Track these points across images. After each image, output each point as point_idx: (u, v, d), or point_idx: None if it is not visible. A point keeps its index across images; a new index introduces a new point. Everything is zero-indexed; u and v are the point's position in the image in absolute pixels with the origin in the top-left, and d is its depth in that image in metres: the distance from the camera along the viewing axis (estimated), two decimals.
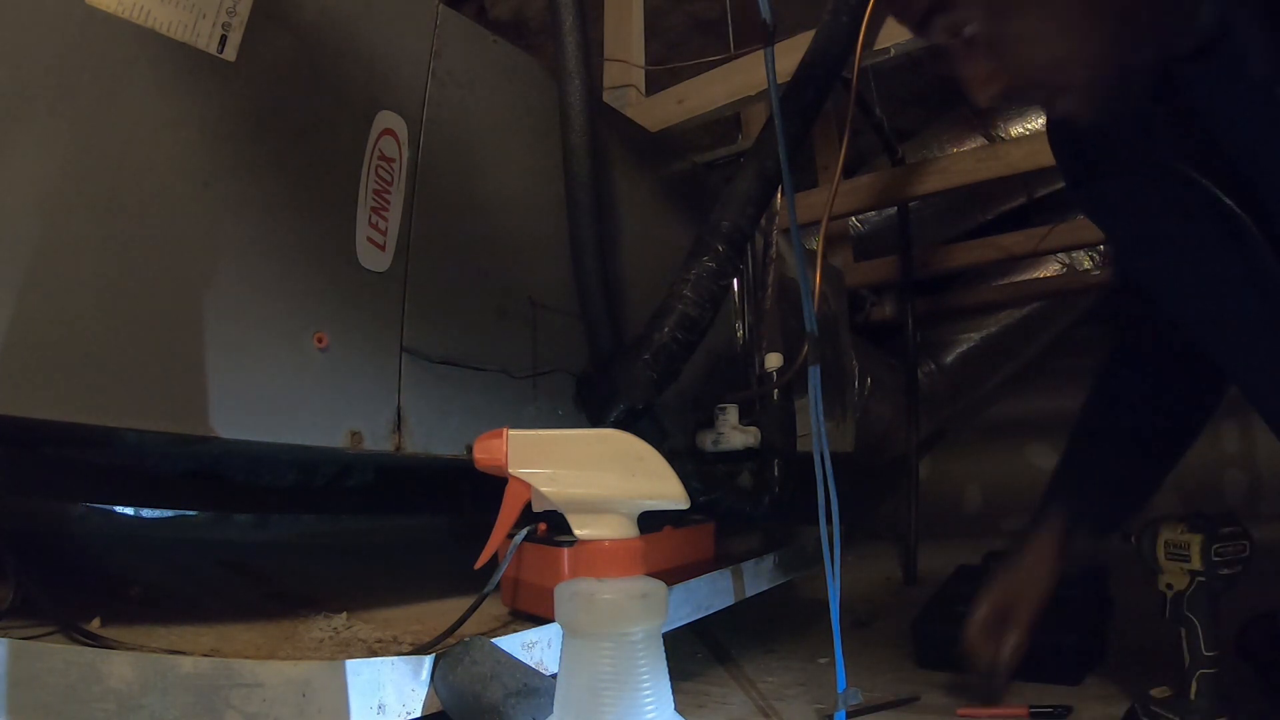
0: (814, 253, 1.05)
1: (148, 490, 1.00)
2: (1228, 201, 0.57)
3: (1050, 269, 2.34)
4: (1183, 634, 0.70)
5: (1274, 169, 0.56)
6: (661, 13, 1.94)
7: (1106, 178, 0.69)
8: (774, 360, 1.16)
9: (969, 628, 0.83)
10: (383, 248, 0.72)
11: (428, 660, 0.62)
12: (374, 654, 0.68)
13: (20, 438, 0.80)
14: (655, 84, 1.36)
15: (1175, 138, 0.60)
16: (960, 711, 0.83)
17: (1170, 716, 0.69)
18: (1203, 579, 0.69)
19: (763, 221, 1.07)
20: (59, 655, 0.46)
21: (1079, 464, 0.89)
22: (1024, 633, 0.81)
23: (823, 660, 1.08)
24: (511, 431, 0.41)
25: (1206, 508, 0.74)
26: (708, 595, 0.95)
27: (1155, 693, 0.71)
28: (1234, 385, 0.72)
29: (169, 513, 1.02)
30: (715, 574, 0.97)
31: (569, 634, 0.40)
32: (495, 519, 0.42)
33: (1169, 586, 0.72)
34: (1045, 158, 1.53)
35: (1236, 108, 0.56)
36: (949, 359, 2.38)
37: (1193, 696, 0.68)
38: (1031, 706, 0.81)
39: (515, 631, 0.71)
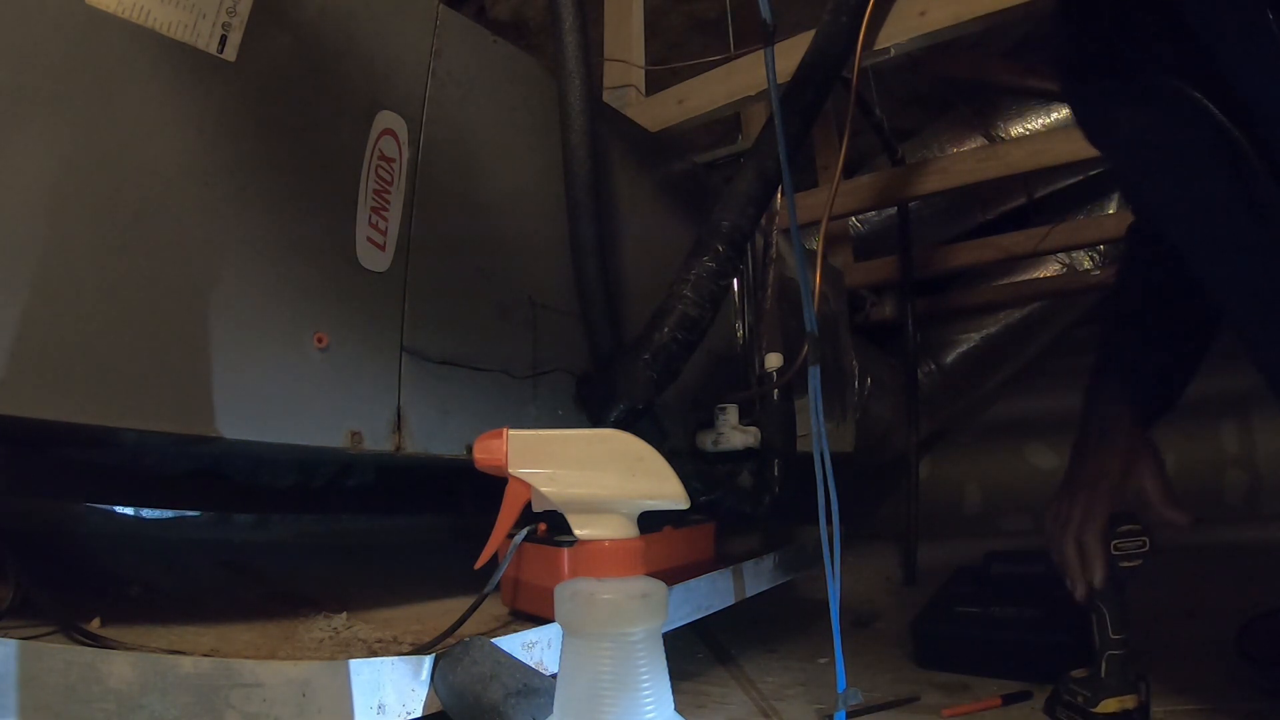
0: (814, 253, 1.05)
1: (148, 490, 1.00)
2: (1224, 120, 0.56)
3: (1050, 269, 2.34)
4: (1093, 620, 0.78)
5: (1266, 94, 0.55)
6: (661, 13, 1.94)
7: (1101, 91, 0.68)
8: (774, 360, 1.16)
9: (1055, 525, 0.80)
10: (383, 248, 0.72)
11: (428, 660, 0.62)
12: (374, 654, 0.68)
13: (21, 437, 0.80)
14: (655, 84, 1.36)
15: (1175, 56, 0.59)
16: (945, 712, 0.84)
17: (1084, 693, 0.77)
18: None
19: (763, 221, 1.07)
20: (59, 655, 0.46)
21: (1116, 356, 0.84)
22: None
23: (823, 660, 1.08)
24: (511, 431, 0.41)
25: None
26: (708, 595, 0.95)
27: (1074, 673, 0.80)
28: (1233, 330, 0.68)
29: (169, 513, 1.02)
30: (715, 574, 0.97)
31: (569, 634, 0.40)
32: (495, 519, 0.42)
33: None
34: (1045, 158, 1.54)
35: (1228, 31, 0.55)
36: (949, 359, 2.38)
37: (1103, 675, 0.76)
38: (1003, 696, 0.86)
39: (515, 631, 0.71)
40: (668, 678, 0.41)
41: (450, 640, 0.69)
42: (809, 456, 0.83)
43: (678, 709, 0.41)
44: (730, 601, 1.00)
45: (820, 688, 0.95)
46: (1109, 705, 0.74)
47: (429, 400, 0.75)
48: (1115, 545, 0.77)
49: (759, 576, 1.10)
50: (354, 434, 0.67)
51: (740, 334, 1.23)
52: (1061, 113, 2.00)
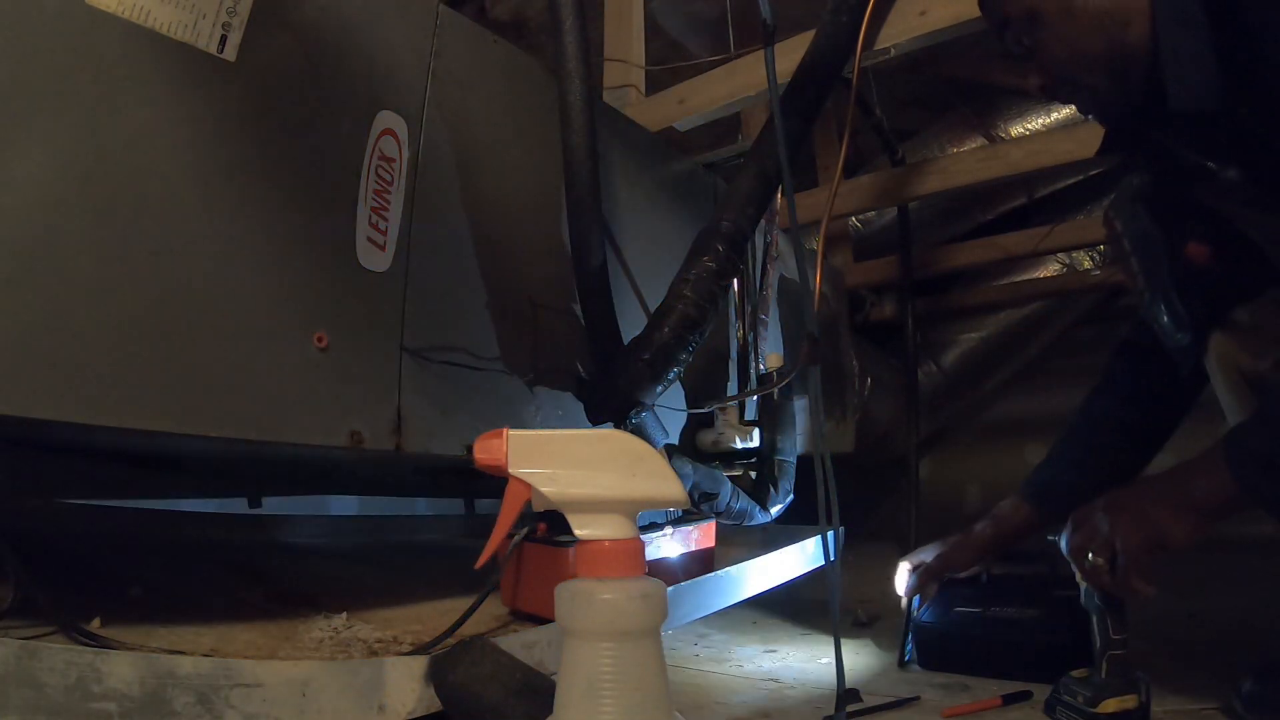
0: (814, 253, 1.05)
1: (146, 488, 1.00)
2: None
3: (1050, 269, 2.34)
4: (1093, 620, 0.78)
5: None
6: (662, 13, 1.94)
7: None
8: (774, 360, 1.16)
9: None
10: (383, 248, 0.72)
11: (428, 660, 0.62)
12: (374, 654, 0.68)
13: (20, 437, 0.80)
14: (655, 84, 1.36)
15: None
16: (945, 712, 0.84)
17: (1084, 693, 0.77)
18: None
19: (763, 221, 1.07)
20: (59, 655, 0.46)
21: (1057, 446, 1.01)
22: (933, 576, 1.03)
23: (823, 660, 1.08)
24: (511, 431, 0.41)
25: None
26: (708, 595, 0.95)
27: (1074, 673, 0.80)
28: None
29: (169, 512, 1.02)
30: (715, 574, 0.97)
31: (569, 634, 0.40)
32: (495, 519, 0.42)
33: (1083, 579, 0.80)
34: (1045, 158, 1.54)
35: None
36: (949, 359, 2.38)
37: (1104, 675, 0.77)
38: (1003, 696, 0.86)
39: (515, 631, 0.71)
40: (668, 678, 0.41)
41: (450, 640, 0.69)
42: (809, 456, 0.83)
43: (678, 709, 0.41)
44: (730, 601, 1.00)
45: (820, 688, 0.95)
46: (1109, 705, 0.75)
47: (429, 400, 0.75)
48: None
49: (759, 576, 1.10)
50: (354, 434, 0.67)
51: (740, 334, 1.23)
52: (1062, 113, 2.00)
